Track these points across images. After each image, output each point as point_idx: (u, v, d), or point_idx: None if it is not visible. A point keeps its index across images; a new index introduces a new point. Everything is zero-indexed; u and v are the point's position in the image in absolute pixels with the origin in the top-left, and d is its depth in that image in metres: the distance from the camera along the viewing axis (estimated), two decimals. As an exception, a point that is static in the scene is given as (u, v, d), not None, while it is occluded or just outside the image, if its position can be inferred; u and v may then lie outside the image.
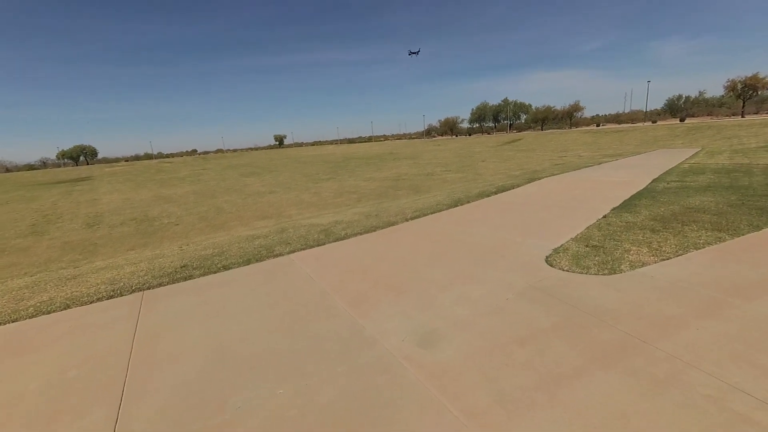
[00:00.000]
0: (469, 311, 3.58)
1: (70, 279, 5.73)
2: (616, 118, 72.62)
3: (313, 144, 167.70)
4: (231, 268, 5.45)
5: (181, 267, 5.70)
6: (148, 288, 4.85)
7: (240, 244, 6.93)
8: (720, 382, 2.41)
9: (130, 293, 4.73)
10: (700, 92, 63.11)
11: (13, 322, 4.13)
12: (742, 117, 47.64)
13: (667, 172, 11.73)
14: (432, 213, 8.15)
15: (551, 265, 4.59)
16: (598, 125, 65.91)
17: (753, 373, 2.47)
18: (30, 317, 4.21)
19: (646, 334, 2.97)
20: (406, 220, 7.64)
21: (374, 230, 7.08)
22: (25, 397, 2.74)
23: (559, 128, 67.96)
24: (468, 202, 9.20)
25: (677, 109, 61.70)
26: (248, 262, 5.67)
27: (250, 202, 19.96)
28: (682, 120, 52.25)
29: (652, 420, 2.15)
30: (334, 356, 2.98)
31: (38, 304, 4.61)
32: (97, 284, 5.18)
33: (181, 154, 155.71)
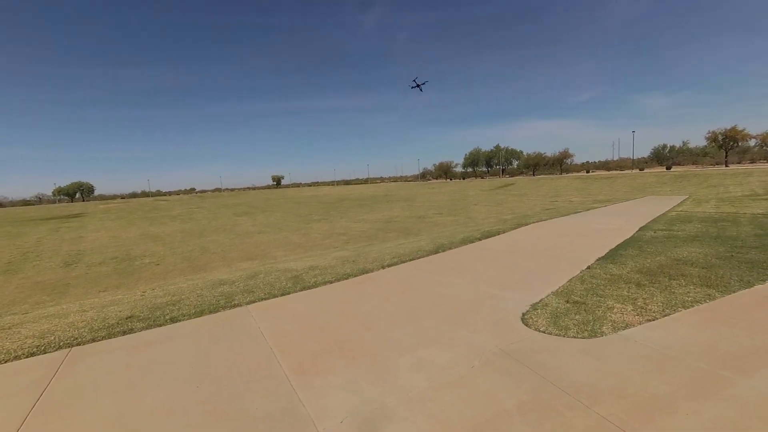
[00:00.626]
0: (428, 382, 3.09)
1: (2, 330, 5.18)
2: (605, 165, 74.64)
3: (311, 185, 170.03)
4: (179, 320, 4.95)
5: (127, 318, 5.18)
6: (78, 344, 4.31)
7: (201, 291, 6.44)
8: (716, 494, 1.93)
9: (56, 350, 4.18)
10: (683, 142, 65.71)
11: None
12: (726, 166, 49.04)
13: (655, 220, 11.56)
14: (411, 260, 7.76)
15: (527, 325, 4.15)
16: (587, 171, 67.52)
17: (756, 481, 2.00)
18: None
19: (627, 421, 2.50)
20: (382, 268, 7.23)
21: (346, 278, 6.65)
22: None
23: (550, 174, 69.54)
24: (450, 248, 8.85)
25: (663, 157, 63.72)
26: (201, 313, 5.17)
27: (238, 243, 19.52)
28: (668, 168, 53.67)
29: None
30: (254, 444, 2.46)
31: (-54, 362, 4.05)
32: (25, 338, 4.63)
33: (178, 192, 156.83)
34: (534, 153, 78.85)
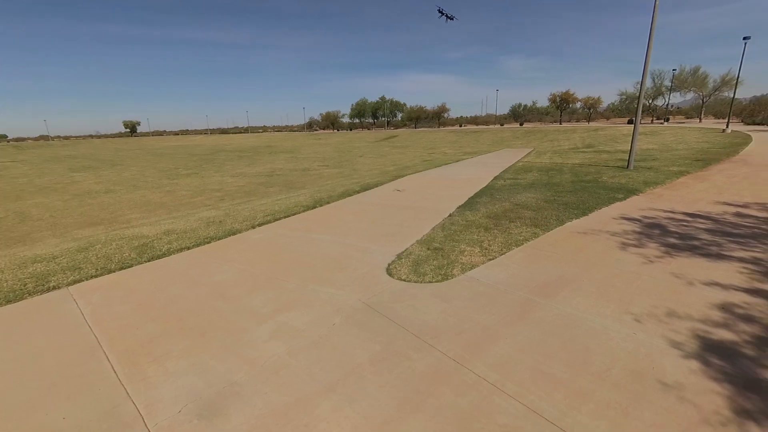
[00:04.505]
0: (285, 348, 2.97)
1: None
2: (475, 120, 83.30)
3: (178, 134, 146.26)
4: (-44, 317, 3.69)
5: None
6: None
7: (0, 274, 4.94)
8: (517, 404, 2.33)
9: None
10: (533, 102, 77.11)
11: None
12: (560, 124, 59.94)
13: (506, 170, 13.42)
14: (285, 217, 7.36)
15: (390, 275, 4.35)
16: (460, 126, 74.44)
17: (545, 387, 2.48)
18: None
19: (461, 354, 2.83)
20: (252, 228, 6.68)
21: (209, 242, 5.93)
22: None
23: (429, 127, 74.27)
24: (329, 202, 8.70)
25: (518, 114, 74.10)
26: (-6, 304, 3.95)
27: (75, 205, 15.73)
28: (521, 124, 62.92)
29: (448, 477, 1.88)
30: (52, 464, 1.99)
31: None
32: None
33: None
34: (416, 106, 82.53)
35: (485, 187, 9.89)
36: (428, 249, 5.19)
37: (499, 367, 2.68)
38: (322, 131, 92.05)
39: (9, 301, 3.98)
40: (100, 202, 16.23)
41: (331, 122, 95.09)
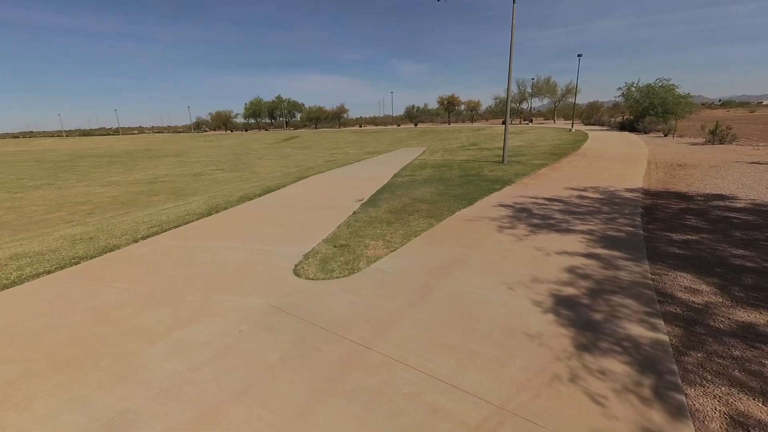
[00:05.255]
0: (186, 365, 2.78)
1: None
2: (374, 121, 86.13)
3: (17, 136, 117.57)
4: None
5: None
6: None
7: None
8: (419, 373, 2.63)
9: None
10: (425, 104, 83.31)
11: None
12: (449, 124, 66.03)
13: (404, 167, 14.34)
14: (176, 227, 6.68)
15: (298, 275, 4.36)
16: (360, 126, 76.18)
17: (442, 355, 2.85)
18: None
19: (370, 339, 3.05)
20: (135, 242, 5.91)
21: (77, 263, 5.07)
22: None
23: (330, 127, 74.27)
24: (227, 208, 8.16)
25: (413, 115, 79.15)
26: None
27: None
28: (416, 125, 67.43)
29: (362, 448, 2.05)
30: None
31: None
32: None
33: None
34: (315, 106, 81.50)
35: (386, 184, 10.44)
36: (334, 246, 5.32)
37: (403, 345, 2.97)
38: (212, 132, 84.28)
39: None
40: None
41: (222, 122, 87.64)
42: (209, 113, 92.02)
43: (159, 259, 5.09)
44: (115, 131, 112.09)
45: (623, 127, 31.66)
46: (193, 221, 7.10)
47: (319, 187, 10.51)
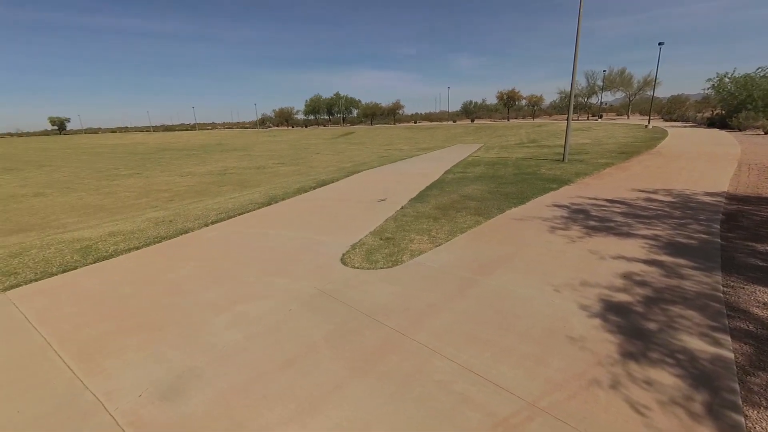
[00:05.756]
0: (243, 335, 3.14)
1: None
2: (429, 117, 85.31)
3: (115, 131, 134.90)
4: None
5: None
6: None
7: None
8: (453, 364, 2.71)
9: None
10: (483, 99, 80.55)
11: None
12: (508, 120, 63.30)
13: (457, 164, 14.15)
14: (239, 214, 7.34)
15: (345, 264, 4.62)
16: (415, 122, 75.94)
17: (477, 348, 2.89)
18: None
19: (408, 328, 3.18)
20: (205, 225, 6.62)
21: (158, 242, 5.82)
22: None
23: (385, 123, 75.07)
24: (284, 199, 8.75)
25: (469, 111, 77.06)
26: None
27: (-3, 211, 14.22)
28: (472, 121, 65.56)
29: (391, 422, 2.20)
30: (12, 454, 2.05)
31: None
32: None
33: None
34: (371, 103, 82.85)
35: (436, 180, 10.43)
36: (380, 239, 5.51)
37: (439, 336, 3.06)
38: (275, 128, 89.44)
39: (-63, 311, 3.74)
40: (29, 206, 14.83)
41: (284, 119, 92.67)
42: (273, 110, 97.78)
43: (224, 243, 5.67)
44: (192, 127, 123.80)
45: (712, 123, 27.92)
46: (254, 210, 7.74)
47: (370, 182, 10.81)
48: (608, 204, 7.17)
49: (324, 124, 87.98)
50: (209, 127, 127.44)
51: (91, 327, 3.34)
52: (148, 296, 3.92)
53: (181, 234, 6.20)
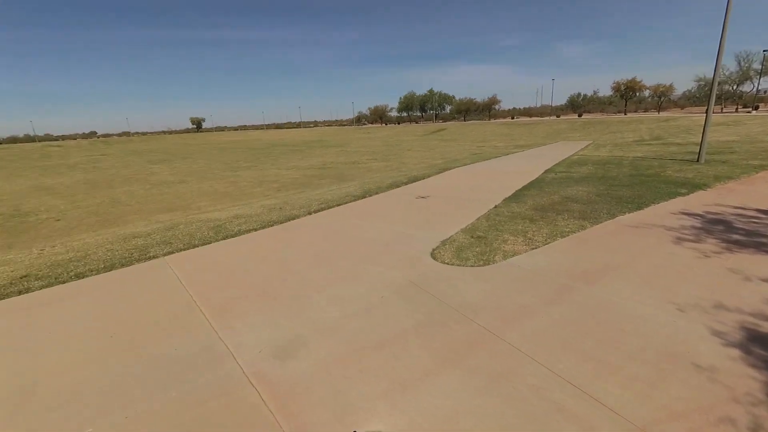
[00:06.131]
0: (340, 313, 3.45)
1: None
2: (528, 112, 79.48)
3: (237, 129, 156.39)
4: (86, 276, 4.67)
5: (21, 278, 4.73)
6: (-39, 309, 3.91)
7: (111, 246, 6.01)
8: (547, 371, 2.58)
9: (-68, 317, 3.76)
10: (594, 91, 71.62)
11: None
12: (625, 114, 55.34)
13: (559, 163, 12.99)
14: (337, 205, 7.95)
15: (435, 258, 4.68)
16: (513, 118, 71.49)
17: (577, 359, 2.69)
18: None
19: (498, 327, 3.11)
20: (309, 214, 7.33)
21: (271, 225, 6.66)
22: None
23: (479, 119, 72.33)
24: (377, 193, 9.17)
25: (577, 105, 69.28)
26: (111, 267, 4.91)
27: (155, 193, 17.82)
28: (579, 115, 58.97)
29: (479, 416, 2.21)
30: (171, 380, 2.62)
31: None
32: None
33: (75, 137, 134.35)
34: (465, 98, 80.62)
35: (535, 180, 9.77)
36: (471, 237, 5.43)
37: (532, 339, 2.93)
38: (370, 125, 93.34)
39: (124, 265, 4.92)
40: (175, 191, 18.20)
41: (379, 116, 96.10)
42: (368, 108, 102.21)
43: (324, 230, 6.22)
44: (297, 125, 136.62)
45: None
46: (350, 202, 8.29)
47: (462, 180, 10.63)
48: (761, 216, 5.86)
49: (416, 121, 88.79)
50: (312, 125, 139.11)
51: (222, 291, 4.02)
52: (264, 271, 4.54)
53: (289, 220, 6.98)
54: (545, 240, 5.17)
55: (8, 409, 2.43)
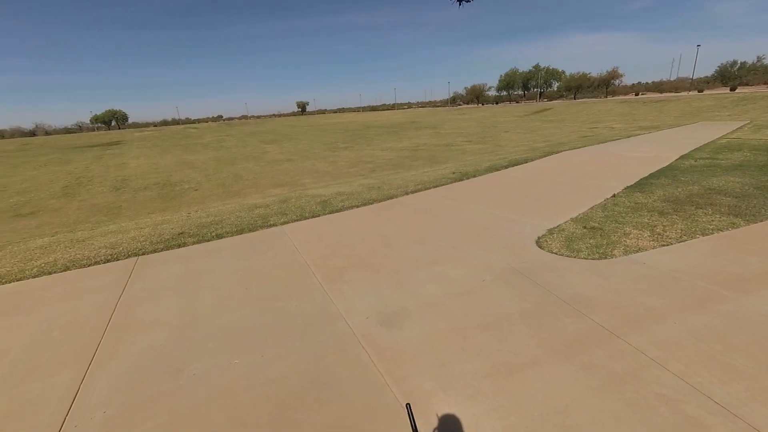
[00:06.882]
0: (442, 291, 3.51)
1: (79, 242, 6.04)
2: (659, 87, 66.92)
3: (336, 111, 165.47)
4: (224, 236, 5.57)
5: (179, 234, 5.88)
6: (143, 254, 5.04)
7: (240, 213, 7.04)
8: (681, 382, 2.27)
9: (126, 258, 4.93)
10: (758, 57, 56.52)
11: (18, 281, 4.43)
12: (805, 86, 42.91)
13: (700, 148, 10.83)
14: (434, 187, 7.95)
15: (540, 247, 4.40)
16: (636, 94, 61.10)
17: (721, 375, 2.31)
18: (33, 277, 4.49)
19: (618, 327, 2.82)
20: (406, 194, 7.50)
21: (371, 203, 7.00)
22: (10, 352, 2.96)
23: (594, 97, 63.65)
24: (474, 176, 8.89)
25: (730, 76, 55.83)
26: (241, 231, 5.77)
27: (267, 170, 20.17)
28: (732, 89, 47.53)
29: (594, 415, 2.07)
30: (295, 332, 3.02)
31: (43, 264, 4.90)
32: (99, 248, 5.44)
33: (206, 120, 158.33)
34: (577, 73, 71.49)
35: (666, 167, 8.36)
36: (584, 227, 4.94)
37: (662, 346, 2.59)
38: (465, 106, 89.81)
39: (251, 230, 5.75)
40: (284, 168, 20.28)
41: (475, 96, 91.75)
42: (465, 87, 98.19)
43: (422, 210, 6.31)
44: (392, 107, 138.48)
45: None
46: (446, 184, 8.21)
47: (570, 164, 9.63)
48: None
49: (517, 100, 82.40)
50: (405, 107, 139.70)
51: (331, 259, 4.42)
52: (367, 244, 4.84)
53: (388, 199, 7.24)
54: (679, 237, 4.43)
55: (179, 335, 3.09)
